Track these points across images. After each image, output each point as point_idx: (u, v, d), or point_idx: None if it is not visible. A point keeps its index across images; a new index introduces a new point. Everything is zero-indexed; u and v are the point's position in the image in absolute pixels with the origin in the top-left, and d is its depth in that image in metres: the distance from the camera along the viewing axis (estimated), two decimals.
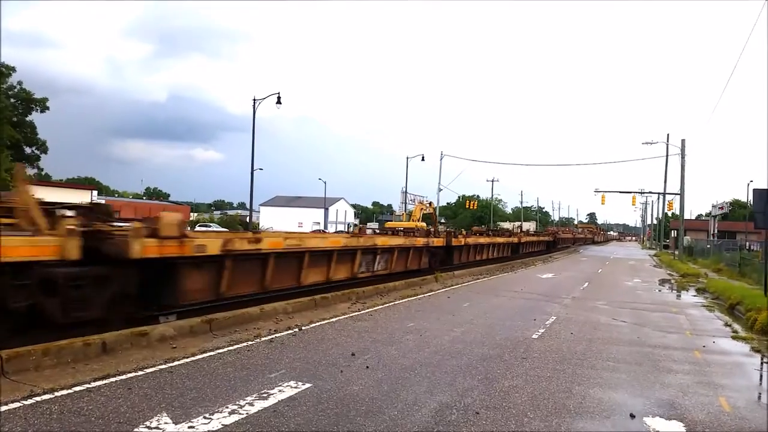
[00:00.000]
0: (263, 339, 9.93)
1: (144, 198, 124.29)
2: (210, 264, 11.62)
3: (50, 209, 9.40)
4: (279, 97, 39.96)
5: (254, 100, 41.06)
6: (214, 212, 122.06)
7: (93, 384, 6.84)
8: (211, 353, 8.71)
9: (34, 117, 44.90)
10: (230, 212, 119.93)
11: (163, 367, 7.80)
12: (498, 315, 14.32)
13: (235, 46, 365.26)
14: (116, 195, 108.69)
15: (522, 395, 7.31)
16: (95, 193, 65.46)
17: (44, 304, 8.53)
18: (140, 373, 7.44)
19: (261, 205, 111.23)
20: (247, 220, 58.81)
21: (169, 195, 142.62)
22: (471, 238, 32.22)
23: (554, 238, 65.05)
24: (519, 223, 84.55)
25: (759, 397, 8.33)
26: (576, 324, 13.39)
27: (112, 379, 7.07)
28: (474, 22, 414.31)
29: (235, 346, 9.25)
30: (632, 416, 6.64)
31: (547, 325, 12.95)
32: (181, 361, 8.13)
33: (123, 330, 9.00)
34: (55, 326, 8.63)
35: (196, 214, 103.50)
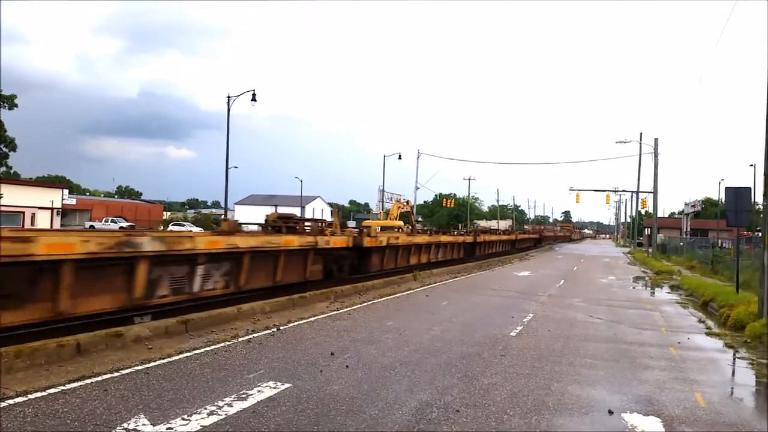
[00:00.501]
0: (241, 339, 9.82)
1: (116, 197, 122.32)
2: (380, 250, 21.19)
3: (341, 222, 19.29)
4: (254, 94, 39.81)
5: (228, 97, 40.73)
6: (188, 211, 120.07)
7: (68, 386, 6.70)
8: (188, 354, 8.59)
9: (2, 114, 43.94)
10: (204, 211, 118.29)
11: (139, 368, 7.67)
12: (476, 313, 14.39)
13: (211, 43, 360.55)
14: (87, 194, 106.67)
15: (501, 392, 7.34)
16: (66, 191, 64.14)
17: (332, 267, 17.78)
18: (116, 374, 7.30)
19: (236, 203, 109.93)
20: (222, 218, 58.00)
21: (141, 194, 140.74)
22: (487, 236, 42.40)
23: (540, 236, 77.84)
24: (507, 222, 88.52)
25: (732, 393, 8.49)
26: (553, 321, 13.51)
27: (88, 381, 6.92)
28: (451, 22, 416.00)
29: (213, 347, 9.13)
30: (610, 412, 6.70)
31: (524, 323, 13.04)
32: (158, 362, 8.00)
33: (97, 331, 8.85)
34: (332, 278, 17.46)
35: (169, 213, 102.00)
